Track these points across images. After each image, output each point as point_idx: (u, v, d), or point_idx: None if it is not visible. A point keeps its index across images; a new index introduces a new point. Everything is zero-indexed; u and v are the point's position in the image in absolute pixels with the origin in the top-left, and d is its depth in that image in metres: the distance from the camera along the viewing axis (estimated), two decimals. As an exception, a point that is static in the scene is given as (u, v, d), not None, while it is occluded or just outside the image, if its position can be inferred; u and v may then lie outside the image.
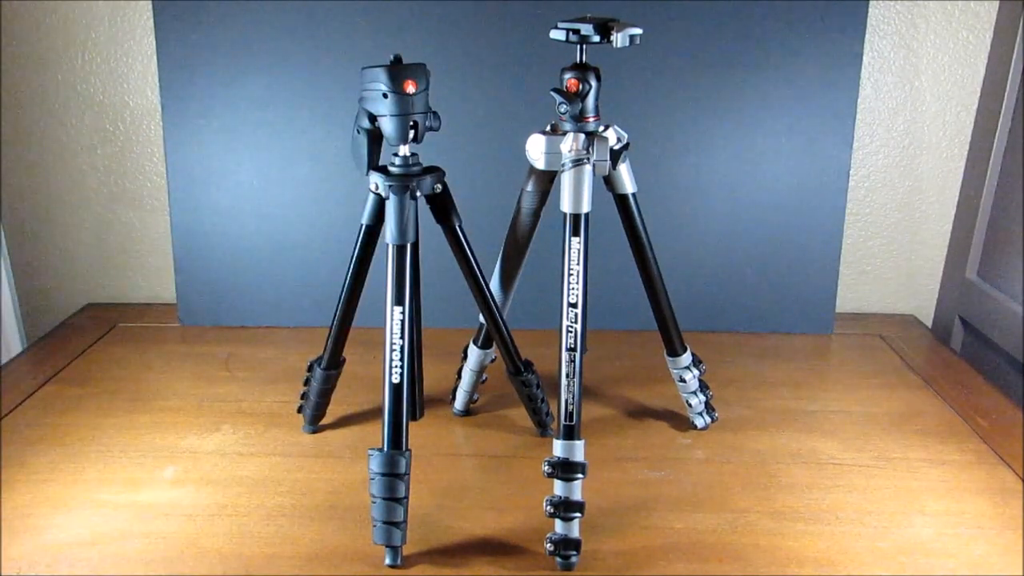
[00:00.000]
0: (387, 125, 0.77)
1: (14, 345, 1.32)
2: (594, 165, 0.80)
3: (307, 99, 1.21)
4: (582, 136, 0.80)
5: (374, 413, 1.03)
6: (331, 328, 0.92)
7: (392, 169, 0.80)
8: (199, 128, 1.22)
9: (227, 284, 1.29)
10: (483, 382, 1.02)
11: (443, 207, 0.84)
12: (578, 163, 0.79)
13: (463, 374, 1.01)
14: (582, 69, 0.79)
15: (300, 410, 0.99)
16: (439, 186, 0.82)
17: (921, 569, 0.76)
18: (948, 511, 0.85)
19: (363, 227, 0.85)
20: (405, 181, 0.78)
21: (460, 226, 0.85)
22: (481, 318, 0.96)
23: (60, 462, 0.92)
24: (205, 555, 0.77)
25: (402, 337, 0.77)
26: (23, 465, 0.91)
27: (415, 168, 0.80)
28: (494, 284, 0.93)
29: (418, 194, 0.80)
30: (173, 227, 1.27)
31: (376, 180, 0.80)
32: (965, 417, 1.04)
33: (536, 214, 0.88)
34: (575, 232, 0.79)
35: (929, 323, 1.40)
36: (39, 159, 1.33)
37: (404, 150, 0.79)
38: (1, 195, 1.34)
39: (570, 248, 0.78)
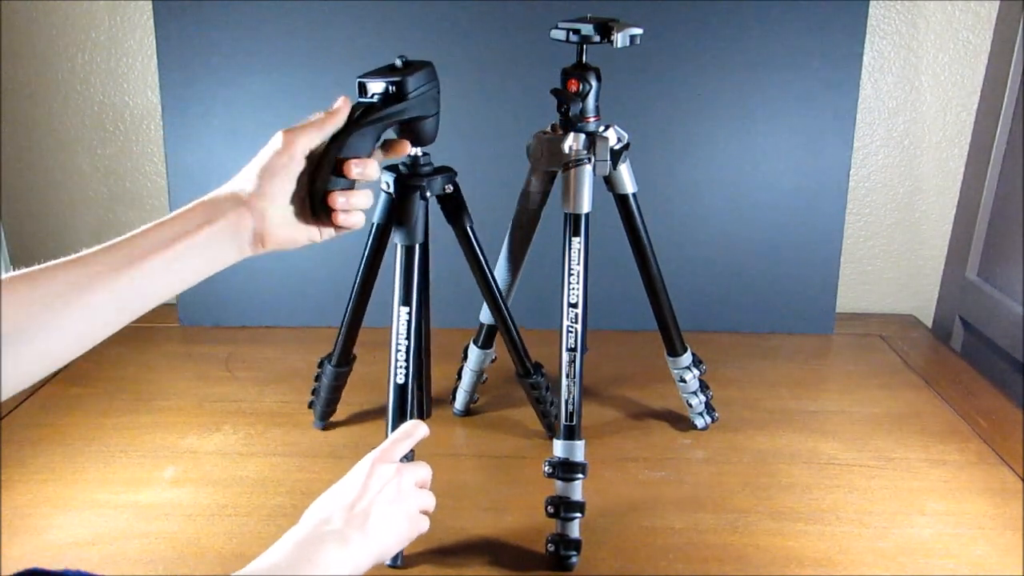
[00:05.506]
0: (431, 124, 0.74)
1: (14, 345, 1.32)
2: (595, 165, 0.80)
3: (307, 99, 1.20)
4: (583, 136, 0.80)
5: (374, 413, 1.03)
6: (341, 325, 0.91)
7: (402, 169, 0.79)
8: (199, 128, 1.22)
9: (227, 284, 1.28)
10: (483, 382, 1.02)
11: (454, 208, 0.83)
12: (579, 163, 0.79)
13: (463, 374, 1.01)
14: (582, 69, 0.79)
15: (311, 405, 0.99)
16: (450, 186, 0.81)
17: (921, 569, 0.76)
18: (948, 511, 0.85)
19: (374, 225, 0.83)
20: (416, 181, 0.78)
21: (471, 227, 0.84)
22: (481, 318, 0.96)
23: (60, 462, 0.92)
24: (205, 555, 0.77)
25: (408, 337, 0.77)
26: (23, 465, 0.91)
27: (426, 168, 0.79)
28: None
29: (428, 195, 0.79)
30: (173, 227, 1.27)
31: (387, 180, 0.79)
32: (965, 417, 1.04)
33: (537, 214, 0.88)
34: (575, 232, 0.79)
35: (929, 323, 1.40)
36: (39, 159, 1.33)
37: (416, 150, 0.78)
38: (1, 195, 1.34)
39: (570, 248, 0.78)
